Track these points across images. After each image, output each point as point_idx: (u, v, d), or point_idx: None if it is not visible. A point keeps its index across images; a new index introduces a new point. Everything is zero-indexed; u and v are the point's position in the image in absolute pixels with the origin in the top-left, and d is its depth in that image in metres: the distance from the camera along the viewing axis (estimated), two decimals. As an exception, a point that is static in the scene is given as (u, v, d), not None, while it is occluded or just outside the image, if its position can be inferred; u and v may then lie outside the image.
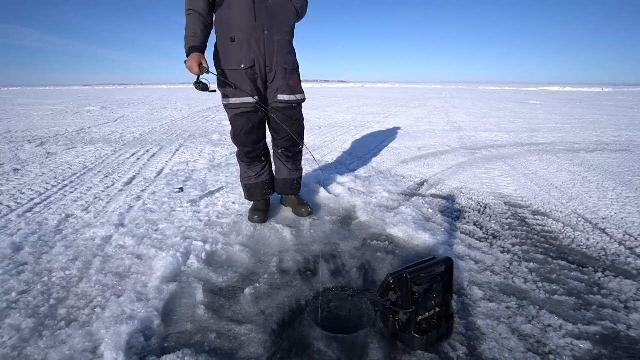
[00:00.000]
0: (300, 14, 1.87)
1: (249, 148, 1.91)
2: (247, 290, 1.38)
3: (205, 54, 1.70)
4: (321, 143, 4.62)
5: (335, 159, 3.75)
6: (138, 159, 3.72)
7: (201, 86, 1.63)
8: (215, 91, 1.70)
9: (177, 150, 4.15)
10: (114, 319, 1.19)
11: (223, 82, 1.74)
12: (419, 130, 5.82)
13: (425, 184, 2.85)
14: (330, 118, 7.46)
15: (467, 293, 1.37)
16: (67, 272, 1.50)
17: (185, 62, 1.64)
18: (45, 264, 1.57)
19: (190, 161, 3.61)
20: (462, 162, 3.60)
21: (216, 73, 1.69)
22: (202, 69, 1.61)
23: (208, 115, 7.94)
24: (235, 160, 3.62)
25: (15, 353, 1.07)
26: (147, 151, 4.13)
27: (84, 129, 5.96)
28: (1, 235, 1.85)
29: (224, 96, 1.80)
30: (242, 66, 1.71)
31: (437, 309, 1.12)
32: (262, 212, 2.05)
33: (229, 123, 1.89)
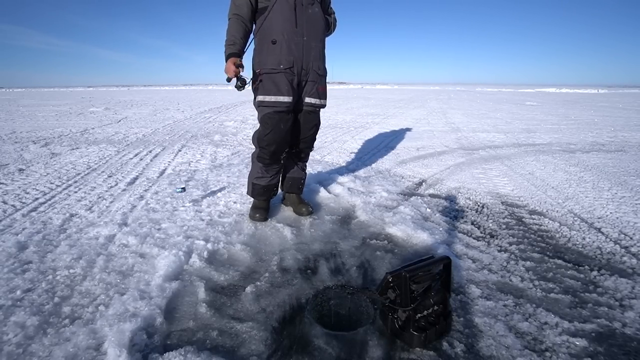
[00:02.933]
0: (330, 28, 2.00)
1: (274, 148, 1.89)
2: (248, 289, 1.40)
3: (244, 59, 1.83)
4: (321, 143, 4.64)
5: (335, 159, 3.77)
6: (141, 159, 3.74)
7: (240, 82, 1.75)
8: (254, 81, 1.80)
9: (180, 151, 4.17)
10: (117, 316, 1.20)
11: (258, 81, 1.83)
12: (418, 131, 5.85)
13: (423, 183, 2.87)
14: (330, 119, 7.47)
15: (465, 291, 1.39)
16: (71, 271, 1.52)
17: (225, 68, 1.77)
18: (49, 263, 1.59)
19: (192, 161, 3.63)
20: (460, 162, 3.62)
21: (246, 77, 1.78)
22: (238, 67, 1.74)
23: (210, 117, 7.94)
24: (236, 160, 3.65)
25: (20, 350, 1.08)
26: (150, 151, 4.15)
27: (87, 130, 5.99)
28: (6, 234, 1.87)
29: (258, 94, 1.84)
30: (282, 66, 1.78)
31: (436, 307, 1.13)
32: (263, 210, 2.07)
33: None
